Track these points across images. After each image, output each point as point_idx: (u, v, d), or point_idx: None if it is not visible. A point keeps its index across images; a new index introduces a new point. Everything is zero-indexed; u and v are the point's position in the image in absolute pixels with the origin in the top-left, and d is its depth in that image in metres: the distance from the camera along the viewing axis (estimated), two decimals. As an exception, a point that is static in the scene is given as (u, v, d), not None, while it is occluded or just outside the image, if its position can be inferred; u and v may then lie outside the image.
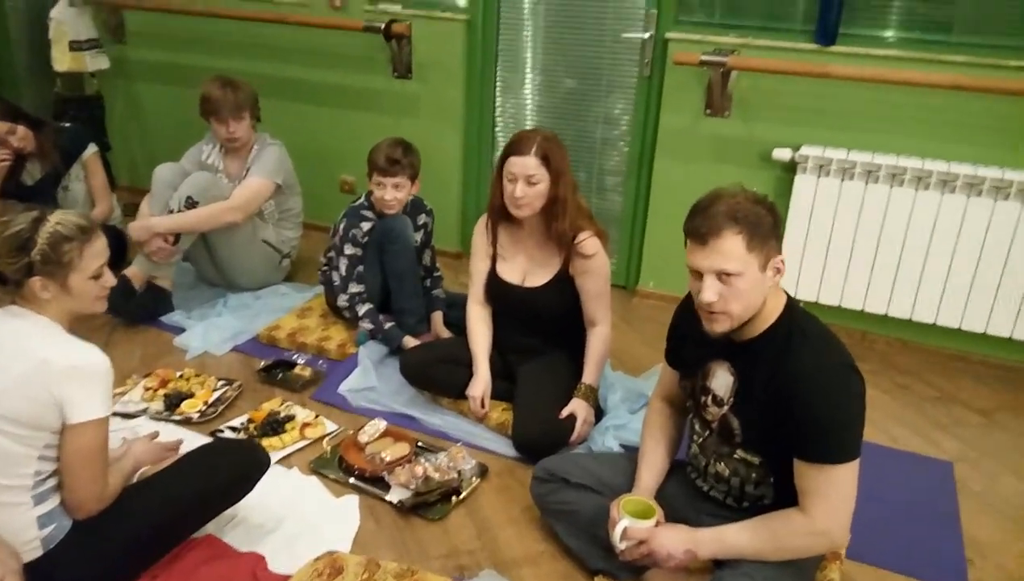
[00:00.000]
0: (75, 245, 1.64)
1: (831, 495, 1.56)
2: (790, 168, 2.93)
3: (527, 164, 2.21)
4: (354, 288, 2.77)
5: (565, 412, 2.27)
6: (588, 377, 2.35)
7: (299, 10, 3.63)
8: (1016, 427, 2.59)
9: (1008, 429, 2.58)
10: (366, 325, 2.74)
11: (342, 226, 2.79)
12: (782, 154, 2.92)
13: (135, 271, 2.95)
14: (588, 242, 2.29)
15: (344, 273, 2.77)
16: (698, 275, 1.57)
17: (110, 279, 1.73)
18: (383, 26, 3.37)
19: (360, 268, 2.78)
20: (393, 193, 2.72)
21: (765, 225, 1.54)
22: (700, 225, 1.54)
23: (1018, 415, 2.65)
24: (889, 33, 2.82)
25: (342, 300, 2.79)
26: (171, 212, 2.94)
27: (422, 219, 2.90)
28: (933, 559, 1.98)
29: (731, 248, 1.51)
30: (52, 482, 1.62)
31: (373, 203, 2.79)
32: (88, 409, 1.56)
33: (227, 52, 3.85)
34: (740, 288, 1.53)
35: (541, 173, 2.22)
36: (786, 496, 1.64)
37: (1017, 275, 2.71)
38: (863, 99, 2.83)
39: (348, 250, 2.77)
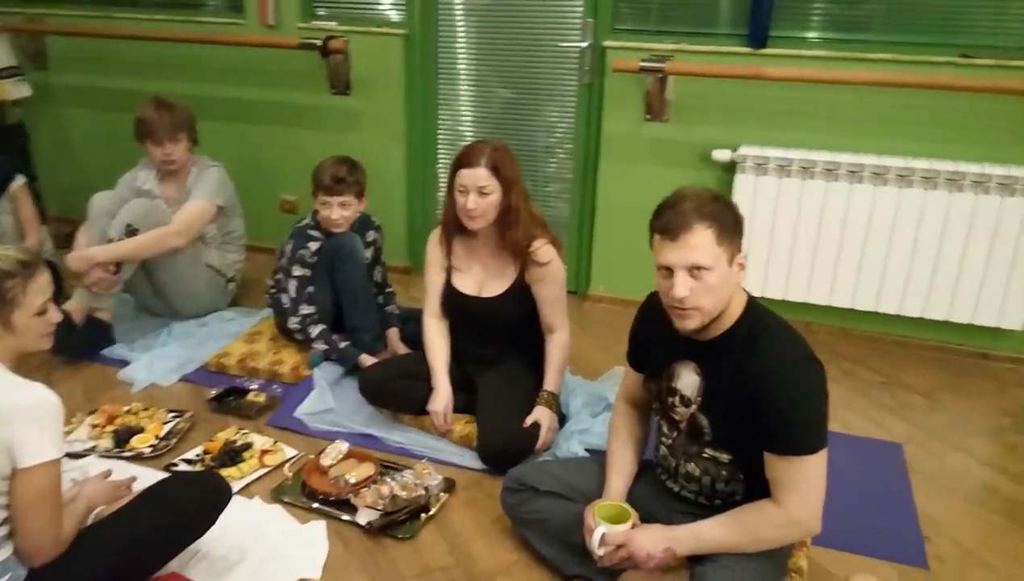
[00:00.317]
0: (18, 281, 1.57)
1: (802, 485, 1.59)
2: (730, 168, 3.01)
3: (478, 175, 2.21)
4: (305, 310, 2.73)
5: (529, 420, 2.27)
6: (550, 384, 2.36)
7: (231, 29, 3.56)
8: (957, 407, 2.70)
9: (950, 409, 2.69)
10: (320, 346, 2.70)
11: (289, 247, 2.74)
12: (721, 155, 3.00)
13: (75, 305, 2.84)
14: (543, 250, 2.31)
15: (294, 295, 2.72)
16: (668, 272, 1.59)
17: (55, 314, 1.66)
18: (320, 43, 3.33)
19: (310, 289, 2.73)
20: (340, 212, 2.68)
21: (730, 221, 1.57)
22: (670, 220, 1.56)
23: (958, 395, 2.77)
24: (816, 34, 2.93)
25: (293, 323, 2.74)
26: (110, 241, 2.84)
27: (371, 236, 2.87)
28: (893, 539, 2.05)
29: (702, 242, 1.54)
30: (3, 530, 1.54)
31: (320, 222, 2.75)
32: (39, 451, 1.50)
33: (157, 74, 3.76)
34: (711, 282, 1.56)
35: (492, 184, 2.22)
36: (756, 490, 1.67)
37: (950, 261, 2.83)
38: (796, 99, 2.92)
39: (297, 271, 2.72)
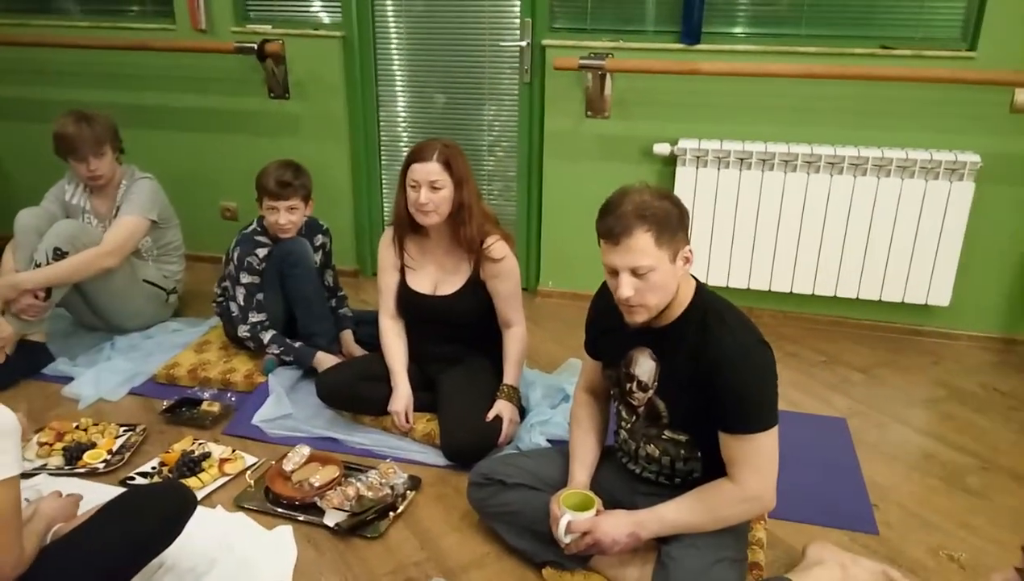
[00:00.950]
0: None
1: (757, 462, 1.66)
2: (671, 161, 3.09)
3: (429, 170, 2.23)
4: (255, 317, 2.69)
5: (491, 415, 2.29)
6: (509, 378, 2.38)
7: (162, 35, 3.48)
8: (894, 380, 2.84)
9: (888, 383, 2.83)
10: (274, 351, 2.67)
11: (236, 254, 2.70)
12: (662, 149, 3.08)
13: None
14: (496, 246, 2.34)
15: (242, 302, 2.68)
16: (614, 272, 1.64)
17: (5, 327, 1.61)
18: (256, 46, 3.29)
19: (259, 296, 2.70)
20: (287, 217, 2.65)
21: (672, 219, 1.61)
22: (612, 226, 1.61)
23: (894, 370, 2.91)
24: (748, 30, 3.03)
25: (243, 331, 2.69)
26: (37, 265, 2.72)
27: (319, 240, 2.84)
28: (843, 508, 2.15)
29: (642, 245, 1.59)
30: (-39, 553, 1.49)
31: (266, 227, 2.71)
32: (-1, 468, 1.45)
33: (83, 83, 3.65)
34: (654, 281, 1.61)
35: (444, 178, 2.24)
36: (714, 467, 1.74)
37: (880, 243, 2.97)
38: (731, 92, 3.02)
39: (245, 279, 2.68)
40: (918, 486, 2.25)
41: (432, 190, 2.24)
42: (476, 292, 2.38)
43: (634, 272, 1.61)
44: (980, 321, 3.09)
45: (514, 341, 2.41)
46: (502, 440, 2.29)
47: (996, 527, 2.07)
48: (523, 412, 2.45)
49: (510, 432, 2.31)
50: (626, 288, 1.62)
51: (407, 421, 2.37)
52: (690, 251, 1.67)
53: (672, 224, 1.62)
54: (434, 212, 2.27)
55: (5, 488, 1.46)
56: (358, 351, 2.79)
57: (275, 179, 2.62)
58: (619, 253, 1.61)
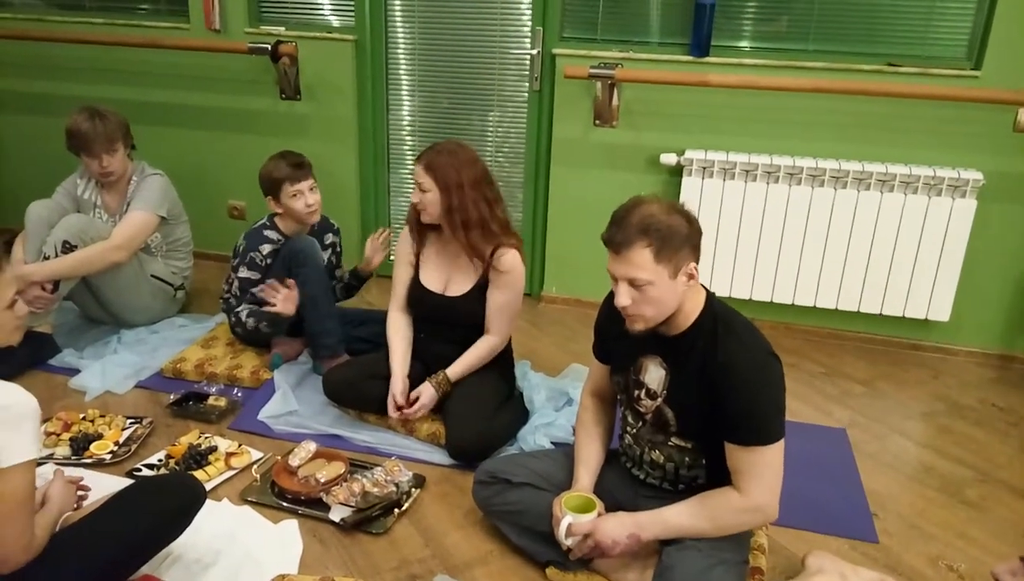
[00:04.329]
0: None
1: (763, 473, 1.68)
2: (676, 171, 3.13)
3: (416, 171, 2.33)
4: (244, 311, 2.71)
5: (412, 395, 2.34)
6: (452, 369, 2.39)
7: (175, 33, 3.52)
8: (894, 393, 2.87)
9: (888, 395, 2.85)
10: (249, 320, 2.69)
11: (241, 247, 2.72)
12: (668, 159, 3.11)
13: None
14: (505, 258, 2.34)
15: (237, 294, 2.72)
16: (615, 279, 1.67)
17: (23, 307, 1.63)
18: (270, 47, 3.32)
19: (256, 289, 2.70)
20: (314, 195, 2.73)
21: (678, 236, 1.62)
22: (614, 235, 1.64)
23: (894, 383, 2.94)
24: (756, 44, 3.07)
25: (232, 319, 2.74)
26: (46, 258, 2.75)
27: (329, 238, 2.87)
28: (844, 516, 2.17)
29: (640, 260, 1.61)
30: (-26, 536, 1.50)
31: (276, 224, 2.74)
32: (17, 452, 1.46)
33: (97, 79, 3.68)
34: (651, 295, 1.63)
35: (427, 181, 2.30)
36: (718, 474, 1.75)
37: (882, 258, 3.01)
38: (738, 105, 3.06)
39: (243, 273, 2.72)
40: (917, 497, 2.27)
41: (420, 191, 2.31)
42: (482, 297, 2.40)
43: (631, 283, 1.63)
44: (979, 337, 3.12)
45: (482, 345, 2.41)
46: (412, 415, 2.33)
47: (994, 539, 2.09)
48: (527, 414, 2.47)
49: (420, 413, 2.35)
50: (623, 297, 1.65)
51: (401, 405, 2.35)
52: (695, 269, 1.67)
53: (676, 241, 1.62)
54: (424, 212, 2.33)
55: (22, 471, 1.48)
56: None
57: (287, 163, 2.68)
58: (618, 263, 1.64)
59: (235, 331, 2.84)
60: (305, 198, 2.69)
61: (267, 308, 2.60)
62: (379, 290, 3.51)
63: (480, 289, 2.39)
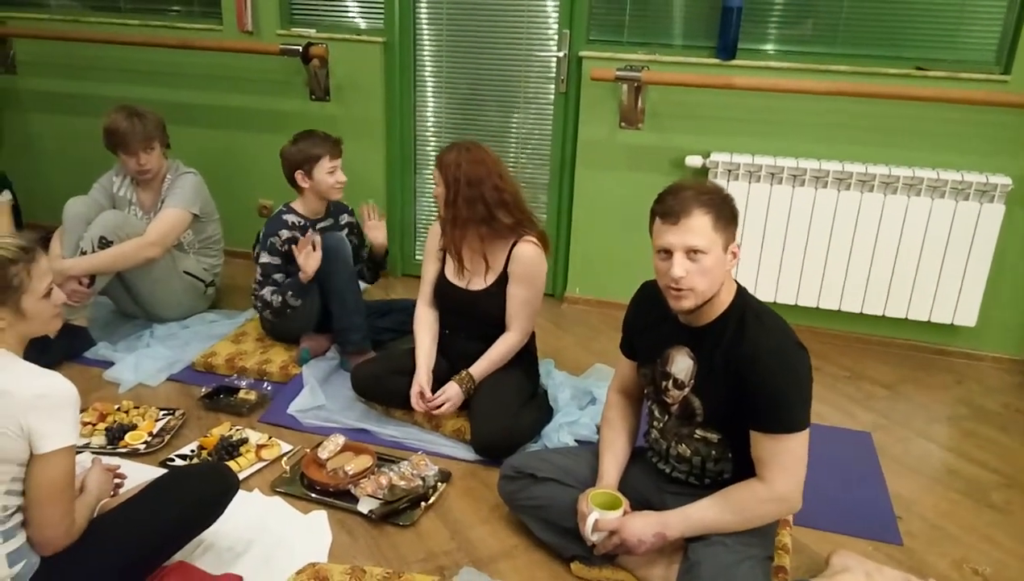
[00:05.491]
0: (21, 266, 1.58)
1: (787, 463, 1.70)
2: (702, 174, 3.14)
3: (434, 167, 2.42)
4: (265, 291, 2.78)
5: (439, 394, 2.38)
6: (475, 367, 2.42)
7: (208, 35, 3.58)
8: (918, 397, 2.86)
9: (912, 399, 2.85)
10: (274, 298, 2.76)
11: (261, 234, 2.81)
12: (694, 161, 3.13)
13: None
14: (523, 252, 2.37)
15: (260, 278, 2.80)
16: (666, 254, 1.68)
17: (60, 295, 1.68)
18: (301, 49, 3.38)
19: (278, 276, 2.77)
20: (343, 175, 2.85)
21: (728, 209, 1.68)
22: (673, 205, 1.66)
23: (918, 387, 2.93)
24: (782, 47, 3.08)
25: (255, 304, 2.83)
26: (83, 253, 2.82)
27: (345, 218, 2.97)
28: (868, 518, 2.17)
29: (700, 226, 1.64)
30: (19, 517, 1.55)
31: (295, 208, 2.85)
32: (58, 438, 1.52)
33: (129, 79, 3.75)
34: (706, 265, 1.66)
35: (436, 176, 2.39)
36: (744, 468, 1.77)
37: (908, 262, 3.00)
38: (764, 108, 3.07)
39: (263, 258, 2.81)
40: (941, 499, 2.27)
41: (435, 185, 2.41)
42: (503, 292, 2.42)
43: (688, 253, 1.65)
44: (1005, 343, 3.10)
45: (503, 343, 2.43)
46: (439, 413, 2.37)
47: (1019, 543, 2.09)
48: (551, 412, 2.49)
49: (447, 410, 2.38)
50: (678, 268, 1.65)
51: (427, 397, 2.38)
52: (737, 247, 1.72)
53: (727, 214, 1.68)
54: (439, 206, 2.42)
55: (62, 456, 1.53)
56: None
57: (323, 139, 2.81)
58: (677, 232, 1.65)
59: (263, 317, 2.90)
60: (338, 175, 2.82)
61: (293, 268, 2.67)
62: (404, 288, 3.55)
63: (500, 284, 2.42)
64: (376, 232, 2.95)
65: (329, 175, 2.80)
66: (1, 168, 3.84)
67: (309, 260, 2.68)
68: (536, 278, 2.41)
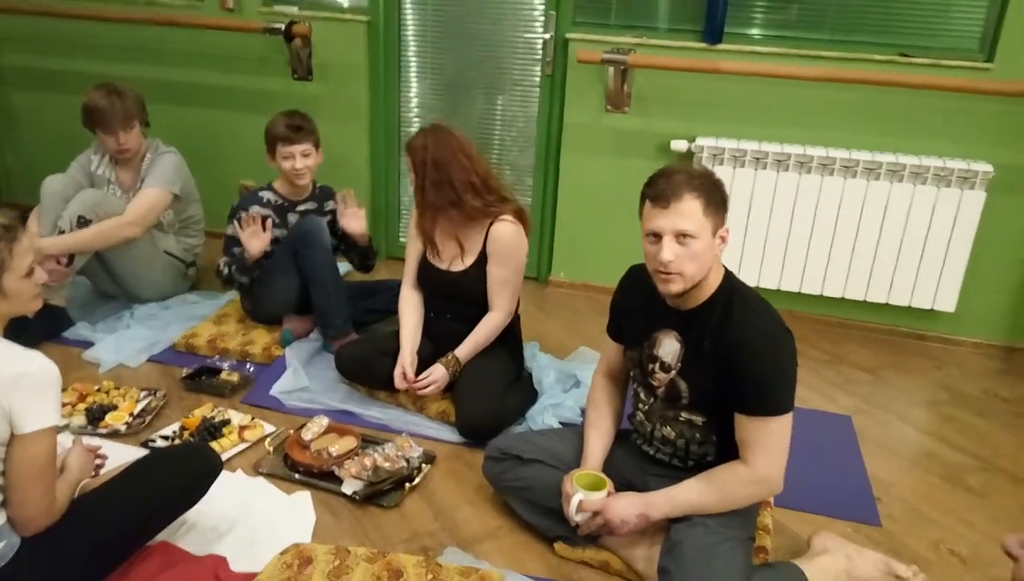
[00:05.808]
0: (3, 245, 1.54)
1: (770, 445, 1.71)
2: (687, 158, 3.14)
3: None
4: (222, 261, 2.78)
5: (423, 376, 2.36)
6: (461, 350, 2.41)
7: (189, 11, 3.52)
8: (898, 382, 2.90)
9: (892, 384, 2.88)
10: (226, 269, 2.77)
11: (234, 206, 2.81)
12: (679, 145, 3.13)
13: None
14: (500, 230, 2.36)
15: (224, 247, 2.79)
16: (656, 238, 1.68)
17: (41, 274, 1.65)
18: (283, 27, 3.33)
19: (237, 250, 2.75)
20: (303, 161, 2.76)
21: (718, 194, 1.68)
22: (664, 189, 1.66)
23: (898, 371, 2.97)
24: (769, 32, 3.08)
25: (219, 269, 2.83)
26: (61, 232, 2.77)
27: (330, 205, 2.92)
28: (847, 500, 2.20)
29: (690, 210, 1.64)
30: (-1, 497, 1.54)
31: (275, 188, 2.82)
32: (40, 418, 1.50)
33: (110, 56, 3.69)
34: (695, 249, 1.66)
35: (408, 162, 2.38)
36: (727, 451, 1.79)
37: (889, 248, 3.03)
38: (750, 93, 3.07)
39: (229, 230, 2.79)
40: (920, 482, 2.30)
41: (408, 170, 2.41)
42: (484, 273, 2.41)
43: (678, 237, 1.65)
44: (984, 328, 3.14)
45: (487, 323, 2.43)
46: (424, 393, 2.37)
47: (995, 525, 2.13)
48: (536, 395, 2.50)
49: (432, 391, 2.38)
50: (667, 252, 1.65)
51: (409, 378, 2.37)
52: (727, 231, 1.72)
53: (717, 198, 1.68)
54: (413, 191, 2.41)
55: (44, 437, 1.51)
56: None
57: (284, 124, 2.73)
58: (667, 216, 1.65)
59: (242, 300, 2.91)
60: (294, 162, 2.74)
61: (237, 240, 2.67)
62: (388, 271, 3.53)
63: (480, 265, 2.41)
64: (353, 221, 2.84)
65: (284, 160, 2.75)
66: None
67: (252, 240, 2.67)
68: (514, 256, 2.40)
